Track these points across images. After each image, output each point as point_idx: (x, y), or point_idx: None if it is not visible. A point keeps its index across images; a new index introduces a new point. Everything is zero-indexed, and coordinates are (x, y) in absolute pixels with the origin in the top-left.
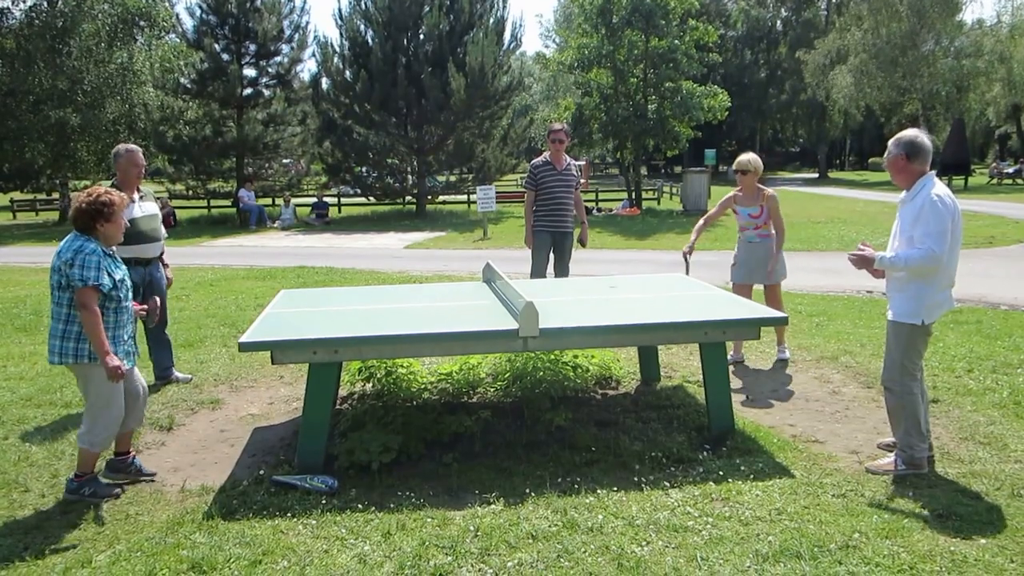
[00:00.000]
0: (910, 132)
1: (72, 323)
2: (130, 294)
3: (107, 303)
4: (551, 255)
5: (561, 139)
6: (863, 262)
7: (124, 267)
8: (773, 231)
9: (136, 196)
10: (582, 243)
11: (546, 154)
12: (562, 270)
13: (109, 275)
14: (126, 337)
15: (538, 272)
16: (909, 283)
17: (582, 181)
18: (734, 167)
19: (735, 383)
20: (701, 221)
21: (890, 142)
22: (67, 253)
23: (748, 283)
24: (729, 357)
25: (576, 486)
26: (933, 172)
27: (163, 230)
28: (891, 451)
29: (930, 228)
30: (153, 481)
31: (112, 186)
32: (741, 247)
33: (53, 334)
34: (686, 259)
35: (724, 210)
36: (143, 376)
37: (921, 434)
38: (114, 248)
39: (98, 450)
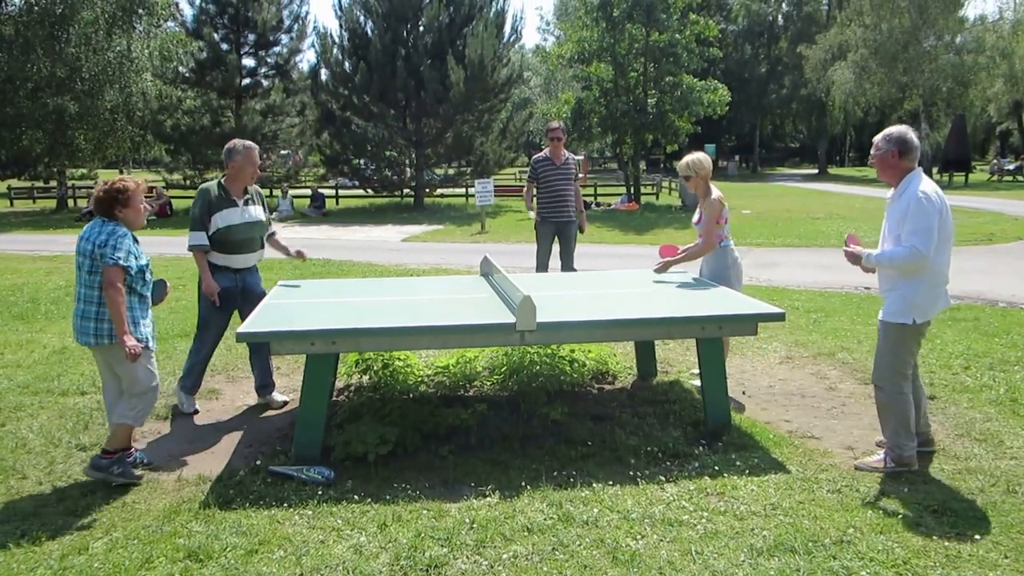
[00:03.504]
0: (900, 128)
1: (106, 305)
2: (150, 281)
3: (134, 284)
4: (556, 244)
5: (559, 136)
6: (853, 259)
7: (146, 256)
8: (729, 241)
9: (243, 199)
10: (580, 229)
11: (546, 150)
12: (568, 258)
13: (137, 257)
14: (150, 320)
15: (543, 259)
16: (899, 282)
17: (580, 175)
18: (678, 171)
19: (731, 379)
20: None
21: (878, 138)
22: (100, 236)
23: None
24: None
25: (572, 480)
26: (920, 169)
27: (267, 231)
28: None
29: (916, 226)
30: (151, 467)
31: (218, 183)
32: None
33: (87, 316)
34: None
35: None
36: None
37: (910, 433)
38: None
39: (140, 425)
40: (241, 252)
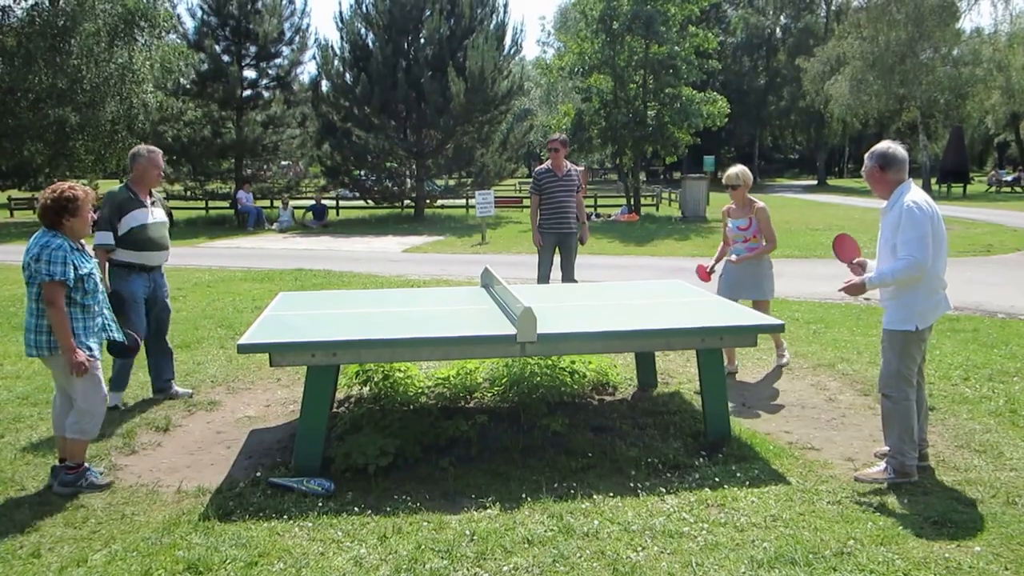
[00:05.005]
0: (883, 144)
1: (44, 317)
2: (99, 286)
3: (74, 294)
4: (556, 255)
5: (558, 147)
6: (856, 290)
7: (93, 260)
8: (763, 243)
9: (148, 201)
10: (581, 241)
11: (548, 161)
12: (568, 268)
13: (75, 268)
14: (96, 328)
15: (544, 270)
16: (899, 291)
17: (582, 186)
18: (723, 181)
19: (731, 390)
20: (722, 243)
21: (865, 155)
22: (34, 249)
23: (732, 298)
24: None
25: (572, 491)
26: (910, 180)
27: (168, 238)
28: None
29: (908, 235)
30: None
31: (125, 187)
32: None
33: (28, 328)
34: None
35: (724, 222)
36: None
37: (913, 442)
38: (83, 242)
39: (90, 438)
40: (155, 249)
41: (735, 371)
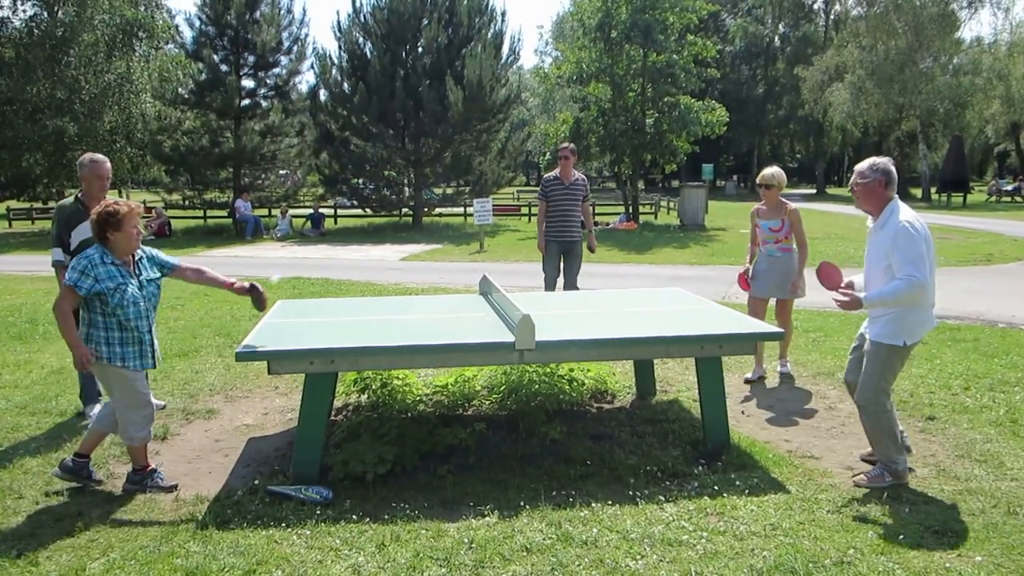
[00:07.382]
0: (884, 159)
1: (89, 326)
2: (140, 309)
3: (101, 307)
4: (561, 263)
5: (567, 156)
6: (851, 306)
7: (130, 279)
8: (795, 245)
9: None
10: (590, 249)
11: (556, 170)
12: (571, 276)
13: (97, 281)
14: (135, 342)
15: (549, 279)
16: (891, 306)
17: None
18: (758, 181)
19: (730, 398)
20: (750, 243)
21: (863, 166)
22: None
23: (766, 297)
24: (751, 374)
25: (571, 499)
26: (897, 198)
27: None
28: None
29: (907, 255)
30: (101, 485)
31: (75, 199)
32: (762, 260)
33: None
34: (745, 283)
35: (753, 223)
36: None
37: (899, 447)
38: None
39: (140, 443)
40: None
41: (765, 375)
